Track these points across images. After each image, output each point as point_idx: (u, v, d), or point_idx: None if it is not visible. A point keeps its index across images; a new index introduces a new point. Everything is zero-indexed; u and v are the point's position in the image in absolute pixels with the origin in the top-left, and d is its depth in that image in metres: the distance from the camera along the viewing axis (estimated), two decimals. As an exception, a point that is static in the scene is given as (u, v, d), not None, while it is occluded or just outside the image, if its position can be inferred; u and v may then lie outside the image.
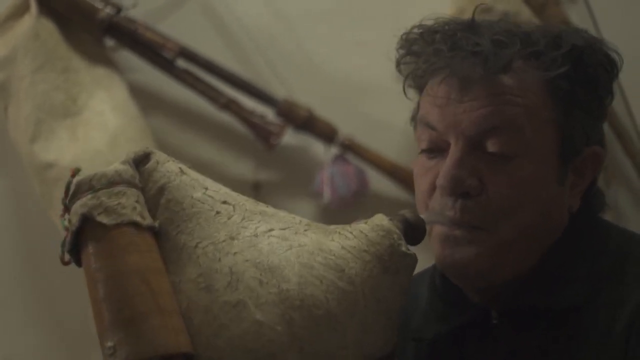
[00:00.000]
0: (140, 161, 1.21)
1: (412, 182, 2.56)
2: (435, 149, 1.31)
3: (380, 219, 1.23)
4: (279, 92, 2.52)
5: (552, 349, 1.28)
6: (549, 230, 1.31)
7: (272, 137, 2.48)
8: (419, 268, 1.34)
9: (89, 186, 1.15)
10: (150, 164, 1.21)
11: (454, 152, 1.28)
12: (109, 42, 2.49)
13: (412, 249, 1.25)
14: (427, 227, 1.28)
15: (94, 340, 2.60)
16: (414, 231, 1.24)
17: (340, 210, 2.51)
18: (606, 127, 2.72)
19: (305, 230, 1.22)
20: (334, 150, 2.54)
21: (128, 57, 2.51)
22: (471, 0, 2.51)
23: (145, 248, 1.15)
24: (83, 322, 2.39)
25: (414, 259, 1.23)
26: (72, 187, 1.16)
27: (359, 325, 1.18)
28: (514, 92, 1.27)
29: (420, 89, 1.34)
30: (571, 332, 1.27)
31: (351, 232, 1.22)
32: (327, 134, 2.52)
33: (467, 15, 2.50)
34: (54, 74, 2.39)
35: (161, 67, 2.47)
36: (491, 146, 1.27)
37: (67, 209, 1.17)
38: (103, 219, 1.14)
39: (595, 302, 1.28)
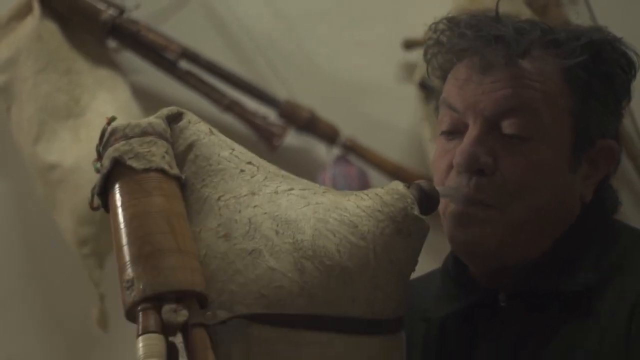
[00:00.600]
0: (173, 119, 1.28)
1: (412, 182, 2.56)
2: (455, 131, 1.36)
3: (396, 184, 1.28)
4: (280, 93, 2.53)
5: (558, 331, 1.30)
6: (560, 216, 1.35)
7: (275, 138, 2.49)
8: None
9: (123, 134, 1.22)
10: (182, 122, 1.28)
11: (471, 131, 1.33)
12: (112, 44, 2.50)
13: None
14: (441, 204, 1.32)
15: (95, 341, 2.61)
16: (427, 200, 1.27)
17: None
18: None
19: (324, 192, 1.27)
20: (335, 151, 2.54)
21: (130, 59, 2.52)
22: (472, 1, 2.50)
23: (170, 193, 1.20)
24: (84, 323, 2.40)
25: (426, 226, 1.26)
26: (107, 134, 1.24)
27: (369, 282, 1.21)
28: (533, 77, 1.32)
29: (444, 77, 1.40)
30: (577, 316, 1.30)
31: (367, 195, 1.26)
32: (329, 135, 2.52)
33: (466, 16, 2.44)
34: (56, 76, 2.40)
35: (164, 69, 2.49)
36: (507, 127, 1.32)
37: (100, 155, 1.24)
38: (133, 163, 1.20)
39: (603, 290, 1.30)
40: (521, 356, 1.32)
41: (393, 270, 1.23)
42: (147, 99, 2.52)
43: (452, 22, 1.37)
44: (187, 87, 2.49)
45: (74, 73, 2.43)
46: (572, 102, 1.33)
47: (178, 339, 1.14)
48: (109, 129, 1.24)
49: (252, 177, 1.26)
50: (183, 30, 2.54)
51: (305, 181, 1.30)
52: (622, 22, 2.68)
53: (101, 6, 2.45)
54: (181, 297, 1.14)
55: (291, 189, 1.26)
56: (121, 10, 2.46)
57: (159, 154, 1.22)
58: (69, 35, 2.46)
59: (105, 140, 1.24)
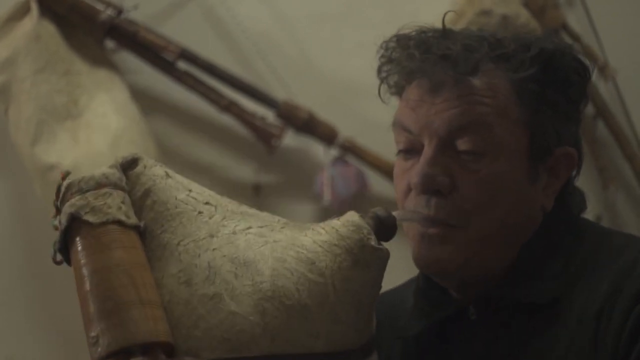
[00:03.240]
0: (129, 166, 1.29)
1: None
2: (412, 150, 1.37)
3: (352, 215, 1.29)
4: (279, 94, 2.53)
5: (527, 342, 1.32)
6: (522, 228, 1.36)
7: (273, 139, 2.49)
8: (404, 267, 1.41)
9: (78, 188, 1.24)
10: (137, 168, 1.29)
11: (426, 151, 1.34)
12: (110, 44, 2.50)
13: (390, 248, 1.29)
14: (405, 226, 1.34)
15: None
16: (384, 227, 1.28)
17: (341, 212, 2.51)
18: (604, 130, 2.74)
19: (282, 228, 1.28)
20: (334, 152, 2.55)
21: (129, 59, 2.53)
22: (470, 4, 2.51)
23: (129, 244, 1.22)
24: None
25: (385, 254, 1.27)
26: (62, 189, 1.25)
27: (329, 316, 1.23)
28: (483, 93, 1.33)
29: (399, 94, 1.41)
30: (545, 325, 1.31)
31: (323, 228, 1.28)
32: (327, 135, 2.54)
33: (466, 18, 2.53)
34: (55, 76, 2.41)
35: (162, 69, 2.49)
36: (462, 145, 1.33)
37: (58, 210, 1.26)
38: (89, 218, 1.22)
39: (569, 297, 1.32)
40: None
41: (353, 302, 1.25)
42: (145, 100, 2.53)
43: (401, 40, 1.38)
44: (185, 88, 2.51)
45: (73, 74, 2.44)
46: (524, 114, 1.34)
47: None
48: (64, 184, 1.25)
49: (210, 218, 1.27)
50: (181, 31, 2.55)
51: (264, 215, 1.31)
52: (619, 25, 2.71)
53: (99, 7, 2.46)
54: (146, 348, 1.16)
55: (249, 228, 1.27)
56: (119, 11, 2.47)
57: (114, 205, 1.23)
58: (67, 36, 2.47)
59: (61, 196, 1.25)
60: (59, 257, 1.26)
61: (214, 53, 2.54)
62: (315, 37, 2.64)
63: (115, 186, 1.25)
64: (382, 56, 1.40)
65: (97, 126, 2.40)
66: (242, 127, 2.53)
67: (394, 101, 2.60)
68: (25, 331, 2.52)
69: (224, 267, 1.22)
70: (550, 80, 1.35)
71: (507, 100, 1.33)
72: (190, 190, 1.30)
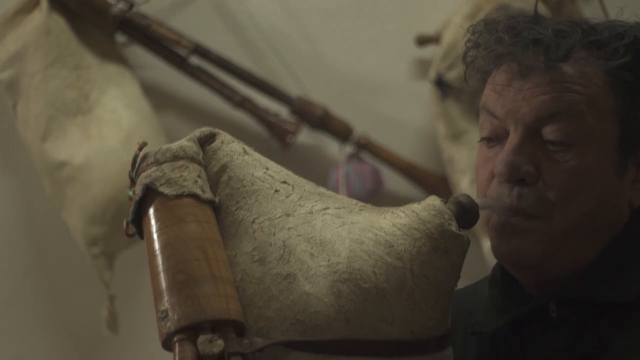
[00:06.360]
0: (206, 140, 1.27)
1: (426, 180, 2.55)
2: (495, 137, 1.32)
3: (433, 200, 1.24)
4: (292, 90, 2.49)
5: (611, 343, 1.27)
6: (607, 223, 1.31)
7: (288, 135, 2.46)
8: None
9: (154, 159, 1.21)
10: (215, 143, 1.26)
11: (512, 138, 1.29)
12: (121, 38, 2.46)
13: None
14: (485, 214, 1.29)
15: (102, 342, 2.58)
16: (466, 214, 1.24)
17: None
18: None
19: (360, 210, 1.24)
20: (348, 149, 2.51)
21: (140, 54, 2.48)
22: (488, -1, 2.48)
23: (203, 219, 1.20)
24: (91, 323, 2.37)
25: (465, 241, 1.23)
26: (138, 160, 1.22)
27: (406, 302, 1.19)
28: (574, 81, 1.28)
29: (484, 80, 1.36)
30: (631, 326, 1.26)
31: (403, 212, 1.23)
32: (342, 132, 2.51)
33: (483, 13, 2.48)
34: (65, 71, 2.37)
35: (174, 64, 2.46)
36: (549, 133, 1.28)
37: (132, 181, 1.23)
38: (165, 190, 1.19)
39: None
40: None
41: (431, 289, 1.20)
42: (157, 95, 2.50)
43: (489, 25, 1.33)
44: (198, 83, 2.46)
45: (83, 68, 2.40)
46: (616, 104, 1.29)
47: None
48: (140, 154, 1.22)
49: (286, 197, 1.25)
50: (192, 25, 2.52)
51: (341, 197, 1.27)
52: (635, 18, 2.69)
53: (111, 0, 2.41)
54: (217, 325, 1.13)
55: (326, 208, 1.23)
56: (131, 4, 2.43)
57: (190, 178, 1.21)
58: (77, 30, 2.43)
59: (137, 167, 1.23)
60: (131, 229, 1.23)
61: (225, 48, 2.51)
62: (330, 33, 2.62)
63: (192, 159, 1.23)
64: (469, 40, 1.35)
65: (109, 122, 2.36)
66: (256, 124, 2.50)
67: (409, 98, 2.58)
68: (33, 332, 2.50)
69: (299, 247, 1.19)
70: None
71: (599, 89, 1.28)
72: (267, 168, 1.27)
